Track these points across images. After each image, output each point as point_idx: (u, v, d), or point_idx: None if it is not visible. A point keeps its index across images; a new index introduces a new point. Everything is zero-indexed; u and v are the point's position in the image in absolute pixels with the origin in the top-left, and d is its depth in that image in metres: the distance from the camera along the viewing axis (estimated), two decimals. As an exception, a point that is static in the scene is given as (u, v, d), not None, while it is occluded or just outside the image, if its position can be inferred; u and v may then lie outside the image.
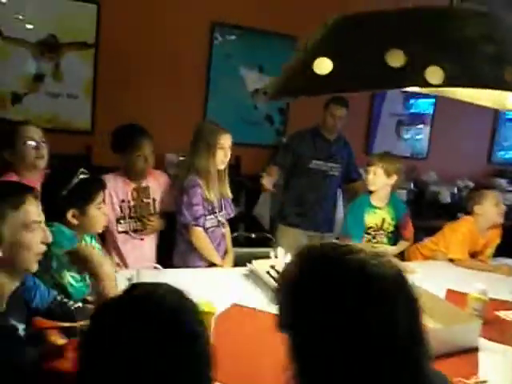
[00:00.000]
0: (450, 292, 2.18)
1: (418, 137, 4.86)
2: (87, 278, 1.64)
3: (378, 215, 2.69)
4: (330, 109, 3.08)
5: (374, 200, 2.70)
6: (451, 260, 2.72)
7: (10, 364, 1.06)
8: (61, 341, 0.98)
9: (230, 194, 2.38)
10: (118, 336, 0.66)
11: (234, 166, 3.53)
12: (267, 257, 2.77)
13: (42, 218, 1.25)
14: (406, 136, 4.82)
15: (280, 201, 3.32)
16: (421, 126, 4.84)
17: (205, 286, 1.95)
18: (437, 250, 2.80)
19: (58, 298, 1.45)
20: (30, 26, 3.52)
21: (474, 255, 2.74)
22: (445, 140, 4.83)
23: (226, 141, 2.26)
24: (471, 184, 4.69)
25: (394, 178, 2.62)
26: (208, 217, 2.28)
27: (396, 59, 1.39)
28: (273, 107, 4.24)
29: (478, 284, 1.92)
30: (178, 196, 2.27)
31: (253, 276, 2.16)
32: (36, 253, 1.23)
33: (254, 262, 2.20)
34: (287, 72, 1.53)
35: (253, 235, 2.86)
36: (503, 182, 4.78)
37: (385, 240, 2.73)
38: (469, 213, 2.78)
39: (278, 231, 3.19)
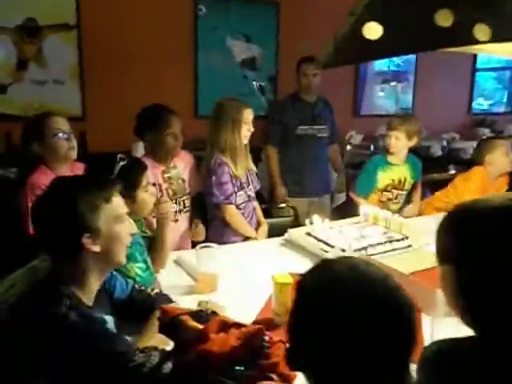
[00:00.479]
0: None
1: (402, 93, 4.94)
2: (150, 265, 1.64)
3: (395, 172, 2.72)
4: (301, 69, 3.10)
5: (391, 159, 2.74)
6: None
7: (107, 356, 1.06)
8: (199, 325, 0.99)
9: (254, 168, 2.39)
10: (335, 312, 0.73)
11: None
12: (296, 225, 2.82)
13: (126, 209, 1.24)
14: (391, 93, 4.88)
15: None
16: (405, 82, 4.92)
17: (257, 258, 2.02)
18: (449, 202, 2.81)
19: (136, 286, 1.44)
20: (6, 11, 3.32)
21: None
22: (428, 94, 4.93)
23: (249, 115, 2.25)
24: (457, 136, 4.82)
25: (415, 139, 2.67)
26: (238, 193, 2.28)
27: (445, 19, 1.41)
28: (262, 76, 4.20)
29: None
30: (205, 177, 2.26)
31: (289, 245, 2.18)
32: (126, 244, 1.22)
33: (289, 230, 2.22)
34: (338, 39, 1.52)
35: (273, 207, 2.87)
36: (486, 131, 4.92)
37: (401, 201, 2.79)
38: (479, 163, 2.85)
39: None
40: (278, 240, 2.25)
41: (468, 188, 2.78)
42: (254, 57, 4.15)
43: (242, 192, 2.30)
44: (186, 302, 1.46)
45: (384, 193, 2.74)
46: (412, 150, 4.33)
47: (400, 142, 2.63)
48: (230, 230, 2.30)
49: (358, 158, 3.98)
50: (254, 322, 1.44)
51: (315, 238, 2.12)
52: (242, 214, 2.32)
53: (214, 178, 2.23)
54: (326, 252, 1.97)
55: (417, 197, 2.88)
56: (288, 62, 4.16)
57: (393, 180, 2.75)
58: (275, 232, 2.40)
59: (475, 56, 5.24)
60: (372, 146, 4.16)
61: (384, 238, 2.13)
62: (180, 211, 2.29)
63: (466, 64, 5.25)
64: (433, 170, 4.26)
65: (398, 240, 2.11)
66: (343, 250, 1.96)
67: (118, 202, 1.20)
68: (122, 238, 1.20)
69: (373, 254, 1.97)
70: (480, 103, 5.43)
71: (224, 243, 2.18)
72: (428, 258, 1.92)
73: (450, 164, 4.42)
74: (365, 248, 2.00)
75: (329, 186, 3.35)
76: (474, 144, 4.42)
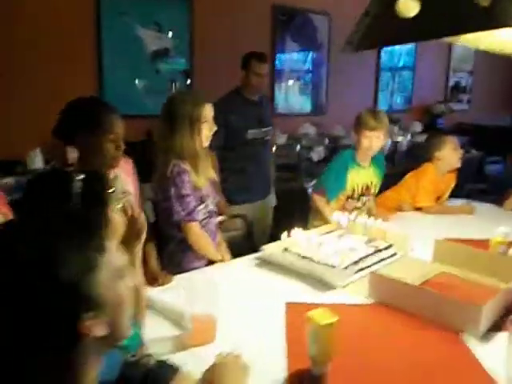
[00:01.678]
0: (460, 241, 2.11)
1: (314, 91, 4.90)
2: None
3: (362, 177, 2.54)
4: (252, 67, 2.84)
5: (362, 159, 2.51)
6: (418, 209, 2.75)
7: None
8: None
9: (214, 175, 2.10)
10: None
11: (145, 142, 3.16)
12: (250, 236, 2.50)
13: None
14: (305, 91, 4.83)
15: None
16: (317, 79, 4.90)
17: (240, 286, 1.72)
18: (403, 201, 2.79)
19: (128, 357, 1.00)
20: None
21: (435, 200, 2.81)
22: (339, 92, 4.97)
23: (209, 111, 1.96)
24: None
25: (387, 137, 2.53)
26: (199, 207, 1.99)
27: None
28: (175, 70, 3.83)
29: (501, 227, 1.93)
30: (160, 190, 1.95)
31: (266, 264, 1.90)
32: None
33: (264, 247, 1.95)
34: (369, 19, 1.28)
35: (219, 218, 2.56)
36: (395, 128, 5.05)
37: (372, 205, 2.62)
38: (428, 159, 2.81)
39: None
40: (250, 259, 1.98)
41: (422, 186, 2.74)
42: (167, 48, 3.75)
43: (202, 206, 2.00)
44: (181, 362, 1.05)
45: (349, 200, 2.52)
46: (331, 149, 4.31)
47: (380, 143, 2.44)
48: (190, 255, 1.98)
49: (281, 159, 3.74)
50: (290, 377, 1.16)
51: (297, 254, 1.86)
52: (205, 232, 2.01)
53: (173, 189, 1.89)
54: (316, 271, 1.73)
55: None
56: (204, 54, 3.85)
57: (357, 185, 2.53)
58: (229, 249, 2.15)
59: (379, 55, 5.41)
60: (298, 146, 3.98)
61: (370, 248, 1.95)
62: None
63: (371, 63, 5.39)
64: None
65: (383, 249, 1.96)
66: (333, 267, 1.74)
67: (112, 246, 0.77)
68: (127, 301, 0.78)
69: (364, 268, 1.79)
70: (382, 100, 5.64)
71: (180, 271, 1.84)
72: (425, 266, 1.88)
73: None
74: (357, 262, 1.81)
75: (269, 188, 3.14)
76: (388, 142, 4.63)
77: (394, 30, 1.23)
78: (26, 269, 0.67)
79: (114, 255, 0.77)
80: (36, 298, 0.66)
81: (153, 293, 1.49)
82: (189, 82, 3.90)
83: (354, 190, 2.52)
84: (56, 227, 0.72)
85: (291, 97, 4.71)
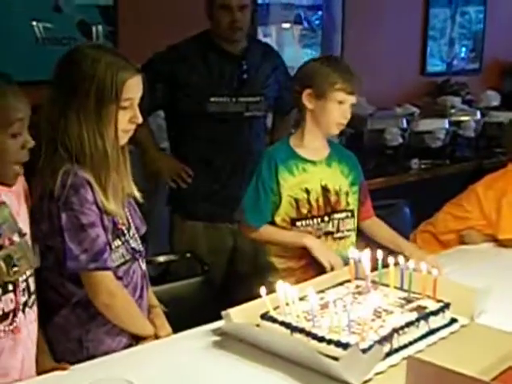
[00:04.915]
0: None
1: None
2: None
3: (317, 175, 2.54)
4: None
5: (306, 148, 2.54)
6: (496, 240, 2.81)
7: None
8: None
9: (135, 191, 2.15)
10: None
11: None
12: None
13: None
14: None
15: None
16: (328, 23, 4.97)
17: None
18: (468, 227, 2.85)
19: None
20: None
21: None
22: (361, 52, 4.99)
23: (138, 89, 2.01)
24: (415, 110, 4.95)
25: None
26: (113, 245, 2.03)
27: None
28: (88, 7, 3.88)
29: None
30: (43, 216, 1.97)
31: (229, 342, 1.95)
32: None
33: (225, 313, 1.94)
34: None
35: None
36: (455, 101, 5.09)
37: (352, 234, 2.62)
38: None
39: (173, 227, 3.23)
40: (203, 334, 2.03)
41: (508, 203, 2.80)
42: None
43: (118, 242, 2.06)
44: None
45: (297, 223, 2.51)
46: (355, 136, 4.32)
47: (349, 115, 2.52)
48: (97, 326, 2.05)
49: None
50: None
51: (284, 325, 1.85)
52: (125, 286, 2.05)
53: (64, 216, 1.91)
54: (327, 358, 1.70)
55: (369, 213, 2.74)
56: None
57: (307, 193, 2.52)
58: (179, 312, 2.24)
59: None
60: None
61: (409, 312, 1.94)
62: (25, 305, 1.89)
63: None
64: (392, 170, 4.29)
65: (433, 313, 1.95)
66: (345, 348, 1.70)
67: None
68: None
69: (399, 349, 1.80)
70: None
71: (81, 360, 1.90)
72: (505, 342, 1.87)
73: (411, 158, 4.55)
74: (387, 338, 1.78)
75: None
76: (444, 123, 4.62)
77: None
78: None
79: None
80: None
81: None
82: (111, 28, 3.93)
83: (301, 202, 2.51)
84: None
85: (287, 49, 4.72)
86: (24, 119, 1.79)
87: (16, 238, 1.88)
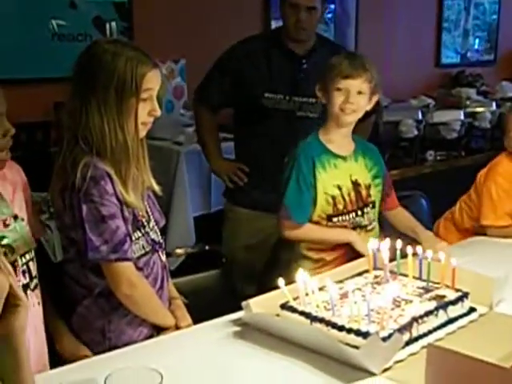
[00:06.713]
0: None
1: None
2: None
3: (345, 171, 2.56)
4: None
5: (335, 143, 2.54)
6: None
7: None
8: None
9: (154, 185, 2.17)
10: None
11: (48, 125, 3.33)
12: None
13: None
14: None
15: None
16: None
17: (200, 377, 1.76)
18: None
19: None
20: None
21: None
22: (375, 45, 5.01)
23: (154, 82, 2.03)
24: (430, 101, 4.95)
25: (375, 99, 2.57)
26: (133, 236, 2.06)
27: None
28: (104, 3, 3.91)
29: None
30: (63, 208, 2.01)
31: (250, 332, 1.96)
32: None
33: (245, 303, 1.96)
34: None
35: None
36: (470, 92, 5.07)
37: (376, 224, 2.65)
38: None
39: (225, 215, 3.31)
40: (223, 324, 2.03)
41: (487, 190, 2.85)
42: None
43: (138, 233, 2.09)
44: None
45: (334, 219, 2.52)
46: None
47: (363, 102, 2.48)
48: (119, 318, 2.08)
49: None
50: None
51: (303, 314, 1.86)
52: (146, 277, 2.09)
53: (85, 208, 1.95)
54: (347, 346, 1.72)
55: (394, 204, 2.77)
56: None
57: (340, 189, 2.53)
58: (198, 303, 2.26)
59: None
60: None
61: (428, 301, 1.95)
62: (27, 286, 1.94)
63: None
64: (407, 162, 4.30)
65: (452, 302, 1.95)
66: (365, 337, 1.71)
67: None
68: None
69: (419, 337, 1.81)
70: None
71: (103, 351, 1.93)
72: None
73: (427, 149, 4.56)
74: (406, 327, 1.79)
75: None
76: (459, 114, 4.62)
77: None
78: None
79: None
80: None
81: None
82: (126, 24, 3.96)
83: (337, 199, 2.53)
84: None
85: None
86: (3, 113, 1.80)
87: (10, 221, 1.92)
